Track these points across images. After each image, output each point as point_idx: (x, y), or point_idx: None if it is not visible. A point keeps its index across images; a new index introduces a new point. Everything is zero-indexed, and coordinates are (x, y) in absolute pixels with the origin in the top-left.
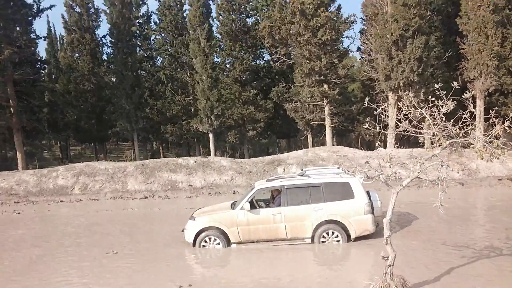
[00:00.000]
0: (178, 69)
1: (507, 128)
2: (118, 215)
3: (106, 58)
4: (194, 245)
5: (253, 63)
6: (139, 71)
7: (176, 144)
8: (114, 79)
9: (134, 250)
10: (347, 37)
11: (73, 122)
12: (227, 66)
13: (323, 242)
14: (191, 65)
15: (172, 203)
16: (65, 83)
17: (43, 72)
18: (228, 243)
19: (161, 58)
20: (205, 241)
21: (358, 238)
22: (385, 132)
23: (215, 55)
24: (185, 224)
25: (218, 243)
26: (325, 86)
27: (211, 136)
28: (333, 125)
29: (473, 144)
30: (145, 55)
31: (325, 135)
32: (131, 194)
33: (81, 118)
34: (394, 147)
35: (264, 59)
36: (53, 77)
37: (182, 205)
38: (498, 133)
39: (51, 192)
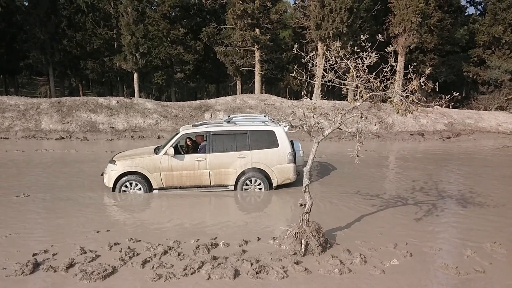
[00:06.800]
0: None
1: (422, 84)
2: (30, 156)
3: None
4: (113, 189)
5: None
6: None
7: (98, 83)
8: (26, 3)
9: (47, 194)
10: None
11: None
12: None
13: (245, 189)
14: None
15: (91, 145)
16: None
17: None
18: (150, 188)
19: None
20: (126, 186)
21: (279, 186)
22: (312, 81)
23: None
24: (105, 168)
25: (140, 188)
26: (257, 30)
27: (135, 75)
28: (262, 72)
29: (391, 98)
30: None
31: (254, 82)
32: (45, 134)
33: None
34: (319, 97)
35: None
36: None
37: (102, 148)
38: (414, 88)
39: None
